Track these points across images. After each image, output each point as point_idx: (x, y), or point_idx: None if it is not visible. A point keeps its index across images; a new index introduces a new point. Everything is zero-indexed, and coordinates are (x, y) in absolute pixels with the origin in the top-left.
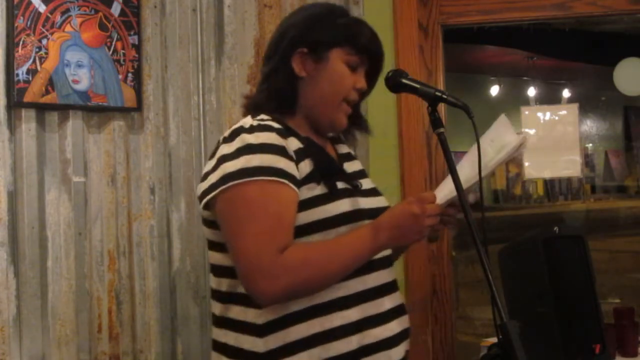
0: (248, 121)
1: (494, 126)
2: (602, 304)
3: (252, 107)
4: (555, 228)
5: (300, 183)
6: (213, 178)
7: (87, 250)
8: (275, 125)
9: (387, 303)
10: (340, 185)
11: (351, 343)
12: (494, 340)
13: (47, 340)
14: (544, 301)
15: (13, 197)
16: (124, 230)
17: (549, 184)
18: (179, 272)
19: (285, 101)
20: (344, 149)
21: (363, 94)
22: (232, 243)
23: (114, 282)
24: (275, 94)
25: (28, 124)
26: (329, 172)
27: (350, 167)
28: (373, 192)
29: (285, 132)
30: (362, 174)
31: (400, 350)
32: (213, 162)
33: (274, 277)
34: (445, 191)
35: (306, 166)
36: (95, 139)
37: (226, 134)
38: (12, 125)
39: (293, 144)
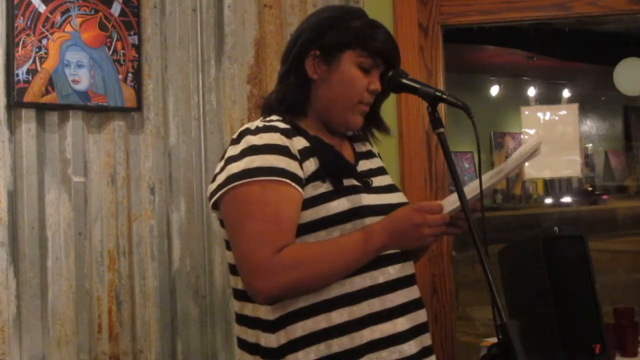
0: (255, 123)
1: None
2: (602, 304)
3: (265, 108)
4: (555, 228)
5: (305, 182)
6: (219, 179)
7: (87, 250)
8: (281, 125)
9: (398, 298)
10: (348, 182)
11: (357, 339)
12: (494, 340)
13: (47, 340)
14: (544, 301)
15: (13, 197)
16: (124, 230)
17: (549, 184)
18: (179, 272)
19: (297, 103)
20: (363, 147)
21: (381, 94)
22: (232, 242)
23: (114, 282)
24: (288, 95)
25: (28, 124)
26: (335, 170)
27: (367, 165)
28: (389, 189)
29: (291, 132)
30: (379, 171)
31: (412, 345)
32: (221, 163)
33: (268, 276)
34: (452, 199)
35: (311, 165)
36: (95, 139)
37: (234, 135)
38: (12, 125)
39: (299, 144)
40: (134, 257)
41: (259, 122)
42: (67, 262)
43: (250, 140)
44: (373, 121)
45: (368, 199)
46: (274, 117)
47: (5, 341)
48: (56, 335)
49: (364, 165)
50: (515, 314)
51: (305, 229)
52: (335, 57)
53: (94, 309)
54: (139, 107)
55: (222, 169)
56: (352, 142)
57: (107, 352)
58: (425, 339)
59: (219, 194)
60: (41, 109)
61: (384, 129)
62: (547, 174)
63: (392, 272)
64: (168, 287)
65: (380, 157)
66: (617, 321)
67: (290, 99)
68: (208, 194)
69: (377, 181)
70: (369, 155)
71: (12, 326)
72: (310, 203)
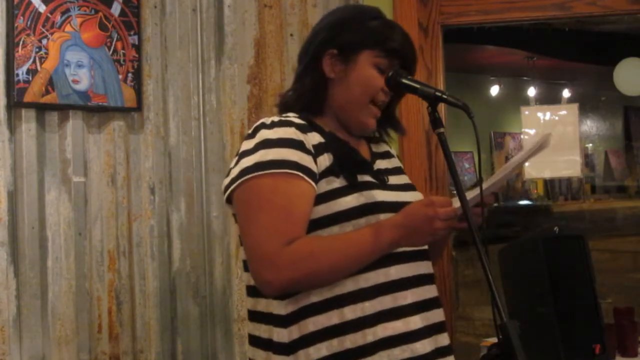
0: (271, 118)
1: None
2: (602, 304)
3: (282, 106)
4: (555, 228)
5: (319, 177)
6: (233, 173)
7: (87, 250)
8: (297, 120)
9: (411, 296)
10: (362, 178)
11: (369, 335)
12: (494, 340)
13: (47, 340)
14: (544, 301)
15: (13, 197)
16: (124, 230)
17: (549, 184)
18: (179, 272)
19: (314, 101)
20: (381, 147)
21: (397, 95)
22: (242, 234)
23: (114, 282)
24: (304, 93)
25: (28, 124)
26: (349, 165)
27: (383, 164)
28: (404, 188)
29: (306, 128)
30: (396, 170)
31: (426, 344)
32: (236, 158)
33: (278, 268)
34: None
35: (325, 160)
36: (95, 139)
37: (250, 130)
38: (12, 125)
39: (314, 139)
40: (134, 257)
41: (274, 117)
42: (67, 262)
43: (265, 134)
44: (389, 121)
45: (382, 195)
46: (290, 114)
47: (5, 341)
48: (56, 335)
49: (380, 164)
50: (515, 314)
51: (318, 223)
52: (353, 56)
53: (94, 309)
54: (139, 107)
55: (236, 163)
56: (369, 142)
57: (107, 352)
58: (441, 339)
59: (232, 187)
60: (41, 109)
61: (399, 129)
62: (547, 174)
63: (406, 269)
64: (168, 287)
65: (399, 159)
66: (617, 321)
67: (307, 97)
68: (222, 188)
69: (393, 180)
70: (387, 155)
71: (12, 326)
72: (323, 198)
